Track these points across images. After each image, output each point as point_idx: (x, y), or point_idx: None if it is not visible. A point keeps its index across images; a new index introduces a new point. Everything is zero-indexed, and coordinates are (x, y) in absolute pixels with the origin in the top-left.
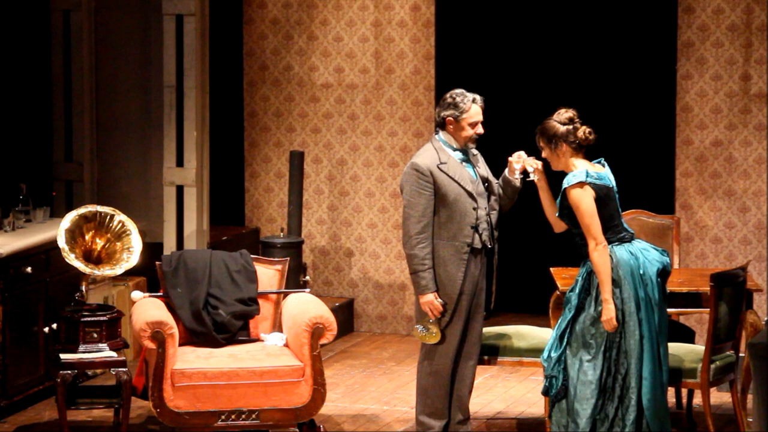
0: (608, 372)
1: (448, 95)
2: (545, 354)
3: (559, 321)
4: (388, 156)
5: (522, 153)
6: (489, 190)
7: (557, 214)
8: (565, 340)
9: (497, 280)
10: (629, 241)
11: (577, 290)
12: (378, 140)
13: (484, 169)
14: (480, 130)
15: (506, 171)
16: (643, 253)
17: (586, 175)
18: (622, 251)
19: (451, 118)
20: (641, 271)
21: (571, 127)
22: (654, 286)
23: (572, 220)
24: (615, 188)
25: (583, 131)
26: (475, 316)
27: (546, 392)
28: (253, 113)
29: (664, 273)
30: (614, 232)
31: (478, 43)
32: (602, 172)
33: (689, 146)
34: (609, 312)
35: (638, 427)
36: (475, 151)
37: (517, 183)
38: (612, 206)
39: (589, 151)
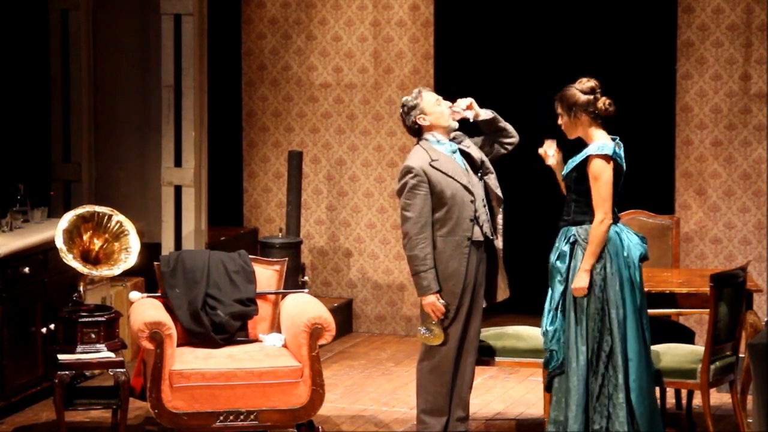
0: (591, 350)
1: (400, 110)
2: (542, 328)
3: (551, 292)
4: (387, 156)
5: (464, 101)
6: (485, 173)
7: (563, 174)
8: (560, 312)
9: (506, 268)
10: (615, 223)
11: (566, 262)
12: (377, 140)
13: (476, 151)
14: (447, 102)
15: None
16: (628, 236)
17: (613, 151)
18: (610, 230)
19: (419, 116)
20: (625, 253)
21: (592, 97)
22: (636, 269)
23: (578, 186)
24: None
25: (603, 102)
26: (474, 312)
27: (546, 364)
28: (252, 113)
29: (643, 259)
30: None
31: (477, 43)
32: (620, 151)
33: (689, 146)
34: (582, 281)
35: (629, 407)
36: (460, 135)
37: (484, 116)
38: (618, 187)
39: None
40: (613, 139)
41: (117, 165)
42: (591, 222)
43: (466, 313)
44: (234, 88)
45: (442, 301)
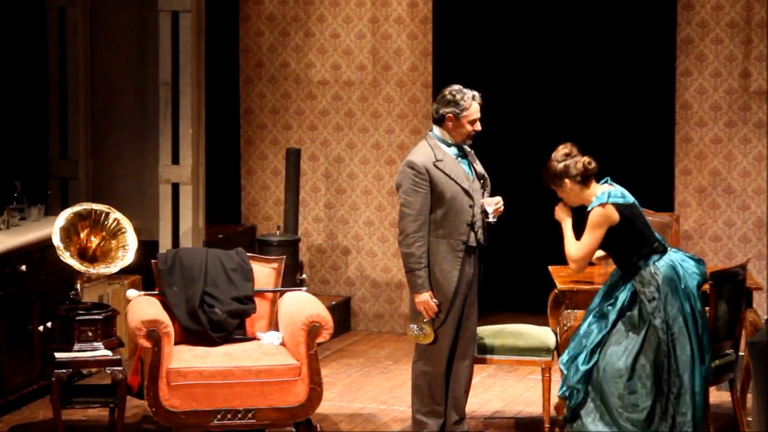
0: (657, 396)
1: (447, 92)
2: (565, 358)
3: (590, 332)
4: (386, 153)
5: (500, 200)
6: (483, 187)
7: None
8: (597, 356)
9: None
10: (664, 252)
11: (617, 306)
12: (375, 138)
13: (479, 166)
14: (478, 127)
15: (484, 203)
16: (682, 266)
17: (608, 197)
18: (664, 267)
19: (451, 115)
20: (683, 285)
21: (570, 161)
22: (696, 299)
23: (611, 243)
24: (636, 202)
25: (582, 163)
26: (469, 315)
27: (566, 399)
28: (249, 110)
29: (702, 284)
30: (647, 245)
31: (476, 40)
32: (618, 189)
33: (688, 144)
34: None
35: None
36: (468, 149)
37: (490, 221)
38: (640, 221)
39: (595, 149)
40: (605, 182)
41: (114, 162)
42: (640, 260)
43: (458, 316)
44: (232, 85)
45: (434, 300)
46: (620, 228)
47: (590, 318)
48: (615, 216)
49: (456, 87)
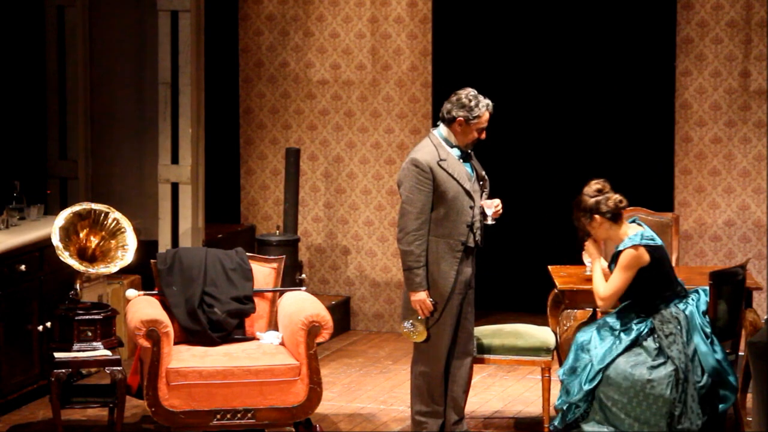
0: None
1: (463, 95)
2: (565, 369)
3: (590, 347)
4: (385, 153)
5: (499, 202)
6: (482, 188)
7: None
8: (602, 375)
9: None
10: (685, 297)
11: (632, 336)
12: (374, 137)
13: (479, 168)
14: (483, 135)
15: (483, 205)
16: (697, 303)
17: (640, 238)
18: (684, 308)
19: (462, 119)
20: (698, 321)
21: (601, 197)
22: (706, 324)
23: (636, 284)
24: (663, 244)
25: (613, 201)
26: (467, 315)
27: (563, 417)
28: (249, 110)
29: (707, 310)
30: (671, 288)
31: (476, 40)
32: (648, 231)
33: (688, 143)
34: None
35: None
36: (470, 150)
37: (489, 224)
38: (667, 264)
39: (594, 148)
40: (633, 221)
41: (114, 162)
42: (662, 303)
43: (455, 316)
44: (231, 85)
45: (430, 299)
46: (649, 269)
47: (596, 333)
48: (646, 257)
49: (472, 92)
